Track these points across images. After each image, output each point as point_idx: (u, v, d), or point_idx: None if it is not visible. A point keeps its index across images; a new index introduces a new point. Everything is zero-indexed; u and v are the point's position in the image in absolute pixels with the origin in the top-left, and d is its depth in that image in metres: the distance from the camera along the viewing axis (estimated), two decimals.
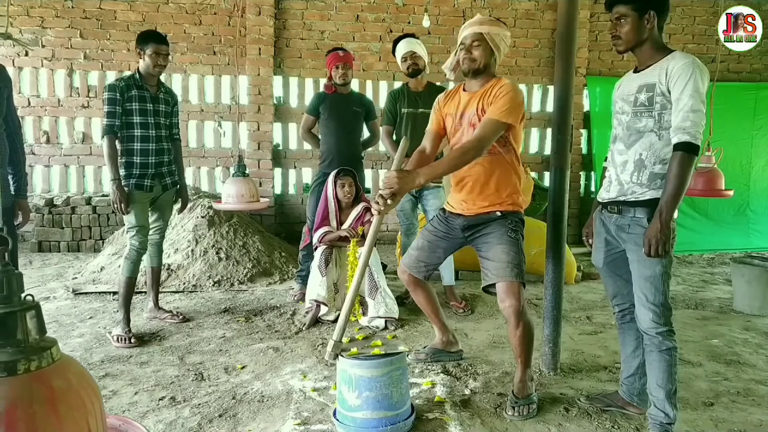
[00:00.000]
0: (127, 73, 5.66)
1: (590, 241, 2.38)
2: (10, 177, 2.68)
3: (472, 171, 2.41)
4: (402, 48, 3.64)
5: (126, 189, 3.18)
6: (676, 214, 2.02)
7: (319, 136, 4.11)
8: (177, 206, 3.59)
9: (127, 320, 3.22)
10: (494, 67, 2.46)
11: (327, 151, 4.02)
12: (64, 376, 0.90)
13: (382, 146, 6.09)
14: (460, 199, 2.50)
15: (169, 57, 3.29)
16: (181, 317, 3.52)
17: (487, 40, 2.38)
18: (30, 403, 0.84)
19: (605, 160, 2.32)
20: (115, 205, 3.15)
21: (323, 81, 6.08)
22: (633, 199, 2.05)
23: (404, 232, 3.93)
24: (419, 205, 3.84)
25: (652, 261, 1.98)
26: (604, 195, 2.20)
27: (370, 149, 6.20)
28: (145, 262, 3.54)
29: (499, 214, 2.42)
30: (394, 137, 3.87)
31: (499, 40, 2.40)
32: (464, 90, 2.51)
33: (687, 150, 1.88)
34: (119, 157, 3.20)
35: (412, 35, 3.77)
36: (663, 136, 1.98)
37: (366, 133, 4.23)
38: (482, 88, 2.42)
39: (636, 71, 2.09)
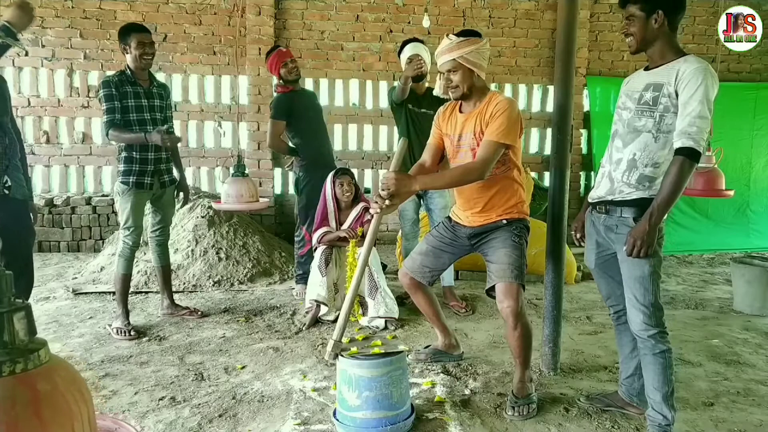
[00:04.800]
0: (110, 72, 5.61)
1: (578, 236, 2.38)
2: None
3: (477, 191, 2.44)
4: (408, 51, 3.63)
5: (126, 188, 3.19)
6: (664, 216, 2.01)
7: (290, 141, 4.03)
8: (179, 200, 3.58)
9: (126, 314, 3.28)
10: (481, 81, 2.43)
11: (308, 150, 3.96)
12: (51, 380, 0.89)
13: (382, 145, 6.17)
14: (467, 215, 2.52)
15: (156, 46, 3.24)
16: (199, 313, 3.54)
17: (463, 63, 2.34)
18: (13, 406, 0.83)
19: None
20: (167, 142, 3.10)
21: (323, 81, 6.12)
22: (620, 199, 2.04)
23: (405, 235, 3.90)
24: (423, 205, 3.82)
25: (640, 261, 1.97)
26: (593, 194, 2.19)
27: (369, 149, 6.29)
28: (154, 263, 3.57)
29: (505, 222, 2.45)
30: (396, 134, 3.92)
31: (476, 57, 2.35)
32: (460, 111, 2.50)
33: (689, 156, 1.85)
34: (119, 153, 3.21)
35: (421, 41, 3.76)
36: (659, 139, 1.96)
37: None
38: (476, 107, 2.42)
39: (647, 69, 2.06)
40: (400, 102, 3.68)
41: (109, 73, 5.76)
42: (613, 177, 2.07)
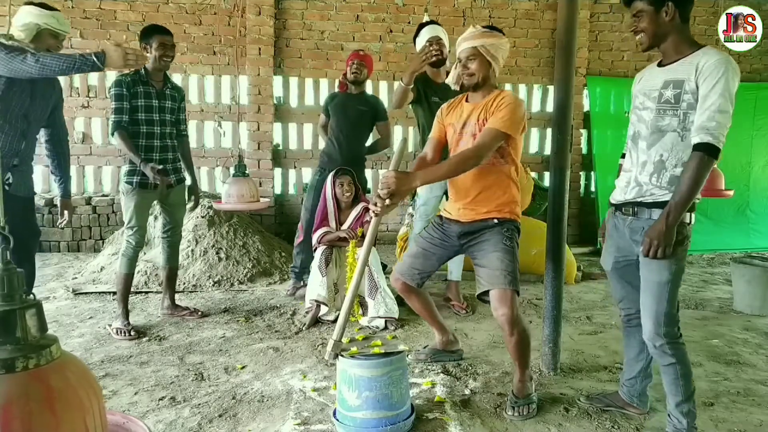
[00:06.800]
0: (113, 72, 5.65)
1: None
2: (56, 180, 3.02)
3: (470, 180, 2.41)
4: (426, 33, 3.42)
5: (130, 187, 3.20)
6: (692, 219, 1.94)
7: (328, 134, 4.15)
8: (190, 205, 3.59)
9: (126, 314, 3.29)
10: (494, 77, 2.45)
11: (329, 148, 4.04)
12: (63, 375, 0.90)
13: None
14: (458, 207, 2.49)
15: (175, 49, 3.27)
16: (199, 313, 3.55)
17: (482, 53, 2.36)
18: (27, 401, 0.84)
19: (622, 157, 2.22)
20: (158, 180, 3.05)
21: (323, 81, 6.12)
22: (651, 201, 1.96)
23: (419, 230, 3.60)
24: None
25: (660, 267, 1.90)
26: (618, 197, 2.10)
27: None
28: (162, 263, 3.58)
29: (495, 221, 2.41)
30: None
31: (495, 50, 2.38)
32: (467, 101, 2.51)
33: (707, 152, 1.78)
34: (124, 154, 3.24)
35: (437, 22, 3.59)
36: (686, 138, 1.87)
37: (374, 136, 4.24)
38: (484, 99, 2.42)
39: (661, 65, 1.98)
40: (417, 99, 3.47)
41: (111, 73, 5.77)
42: (641, 180, 1.99)
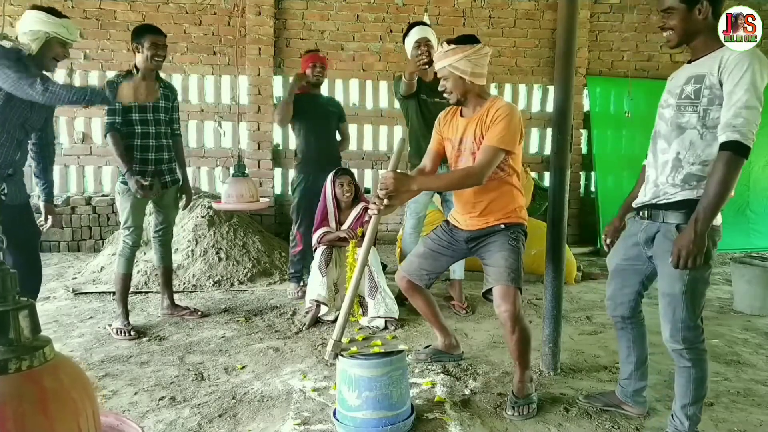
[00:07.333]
0: (111, 73, 5.62)
1: (608, 241, 2.31)
2: (40, 184, 2.95)
3: (475, 195, 2.43)
4: (415, 34, 3.49)
5: (126, 188, 3.20)
6: (719, 219, 1.86)
7: (296, 138, 4.14)
8: (182, 203, 3.59)
9: (126, 314, 3.29)
10: (477, 88, 2.41)
11: (306, 150, 4.03)
12: (57, 376, 0.90)
13: (382, 145, 6.17)
14: (465, 218, 2.52)
15: (167, 49, 3.24)
16: (199, 313, 3.55)
17: (452, 71, 2.35)
18: (20, 403, 0.84)
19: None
20: (140, 194, 3.10)
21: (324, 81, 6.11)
22: (665, 201, 1.89)
23: (406, 231, 3.81)
24: (441, 197, 3.75)
25: (673, 278, 1.85)
26: (638, 200, 2.05)
27: (369, 149, 6.28)
28: (156, 263, 3.58)
29: (503, 226, 2.44)
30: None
31: (465, 65, 2.33)
32: (461, 115, 2.51)
33: (736, 150, 1.69)
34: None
35: (426, 23, 3.64)
36: (706, 136, 1.79)
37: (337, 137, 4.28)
38: (477, 112, 2.42)
39: (690, 62, 1.91)
40: (410, 94, 3.58)
41: (111, 73, 5.78)
42: (658, 181, 1.92)
